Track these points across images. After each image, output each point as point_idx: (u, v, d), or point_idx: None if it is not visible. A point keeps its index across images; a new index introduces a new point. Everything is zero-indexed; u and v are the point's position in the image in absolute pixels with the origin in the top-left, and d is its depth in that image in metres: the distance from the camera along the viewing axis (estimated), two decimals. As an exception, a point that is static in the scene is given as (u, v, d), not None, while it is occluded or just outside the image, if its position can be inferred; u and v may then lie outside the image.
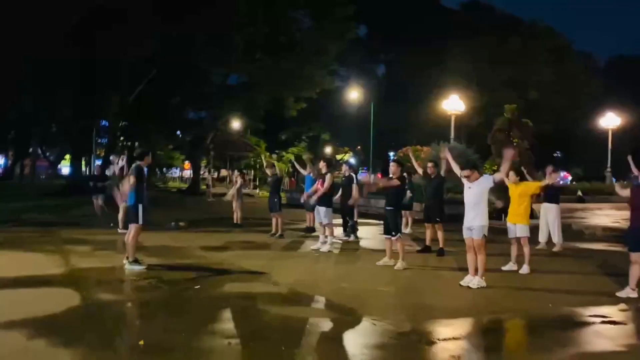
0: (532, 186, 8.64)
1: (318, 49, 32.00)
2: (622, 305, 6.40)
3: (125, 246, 8.10)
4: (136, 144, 32.14)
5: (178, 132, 40.32)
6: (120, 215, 11.54)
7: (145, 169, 8.27)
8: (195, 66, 27.90)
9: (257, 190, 31.80)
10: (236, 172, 14.19)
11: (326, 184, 10.32)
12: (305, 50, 31.63)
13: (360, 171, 53.06)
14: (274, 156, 38.07)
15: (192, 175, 36.68)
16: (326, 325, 5.42)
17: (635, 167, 7.21)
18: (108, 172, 16.42)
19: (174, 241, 11.06)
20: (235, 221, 13.89)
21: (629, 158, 7.12)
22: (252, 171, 37.64)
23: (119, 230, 11.26)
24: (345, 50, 35.18)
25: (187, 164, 44.96)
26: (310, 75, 32.42)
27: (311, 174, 12.54)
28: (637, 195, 6.65)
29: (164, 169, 47.23)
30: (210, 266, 8.38)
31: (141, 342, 4.71)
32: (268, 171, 13.16)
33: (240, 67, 32.14)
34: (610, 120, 29.15)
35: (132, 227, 7.89)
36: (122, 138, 34.66)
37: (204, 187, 30.98)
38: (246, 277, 7.67)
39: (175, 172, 55.19)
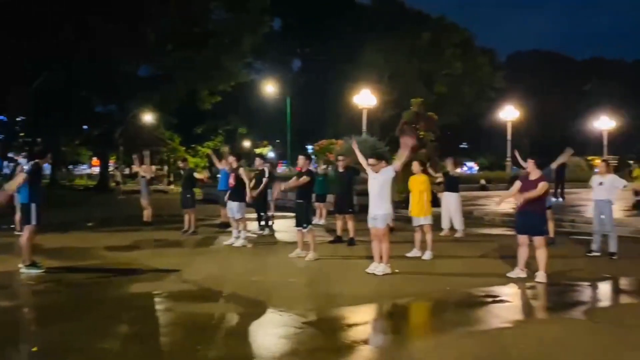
0: (431, 179, 9.11)
1: (233, 42, 31.56)
2: (512, 285, 6.93)
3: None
4: (38, 139, 30.16)
5: (85, 127, 38.28)
6: (17, 217, 10.82)
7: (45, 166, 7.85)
8: (103, 57, 26.55)
9: (172, 186, 30.93)
10: (143, 167, 13.67)
11: (245, 178, 10.20)
12: (220, 42, 31.08)
13: (278, 165, 53.26)
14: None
15: (101, 172, 34.99)
16: (233, 319, 5.44)
17: (522, 160, 7.80)
18: (7, 170, 15.31)
19: (78, 242, 10.56)
20: (145, 219, 13.46)
21: (516, 152, 7.65)
22: (166, 166, 36.52)
23: (16, 232, 10.56)
24: (261, 43, 34.96)
25: (95, 160, 42.80)
26: (225, 68, 31.94)
27: (226, 168, 12.41)
28: (523, 183, 7.21)
29: (70, 166, 44.66)
30: (116, 266, 8.11)
31: (34, 349, 4.51)
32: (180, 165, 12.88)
33: (151, 59, 31.02)
34: (509, 113, 31.14)
35: (26, 228, 7.45)
36: (22, 134, 32.38)
37: (114, 184, 29.62)
38: (154, 276, 7.48)
39: (84, 169, 52.41)
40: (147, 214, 13.53)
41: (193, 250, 9.93)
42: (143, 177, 13.68)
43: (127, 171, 38.31)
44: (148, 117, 37.19)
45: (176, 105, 35.14)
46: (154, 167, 31.92)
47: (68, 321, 5.34)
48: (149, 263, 8.31)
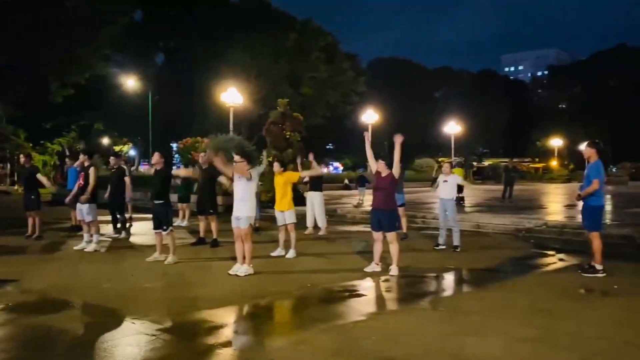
0: (294, 176, 9.26)
1: (88, 31, 29.23)
2: (368, 279, 7.29)
3: None
4: None
5: None
6: None
7: None
8: None
9: (15, 187, 27.89)
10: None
11: (91, 179, 9.48)
12: (73, 30, 28.61)
13: (141, 163, 50.66)
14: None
15: None
16: (78, 330, 5.00)
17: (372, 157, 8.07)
18: None
19: None
20: (-19, 223, 11.97)
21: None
22: (9, 164, 32.83)
23: None
24: (120, 34, 32.86)
25: None
26: (77, 58, 29.48)
27: (76, 166, 11.47)
28: (375, 179, 7.62)
29: None
30: (-60, 278, 7.07)
31: None
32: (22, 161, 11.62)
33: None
34: (370, 116, 32.80)
35: None
36: None
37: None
38: (-13, 287, 6.66)
39: None
40: (-18, 218, 12.04)
41: (37, 256, 9.03)
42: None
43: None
44: (-14, 110, 33.14)
45: (21, 97, 31.69)
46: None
47: None
48: (-18, 273, 7.38)
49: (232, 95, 23.67)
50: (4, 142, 32.19)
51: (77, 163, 11.39)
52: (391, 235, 7.44)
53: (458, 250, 9.45)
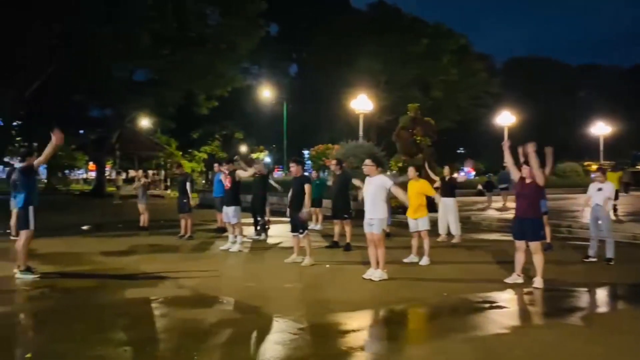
0: (429, 189, 9.10)
1: (228, 46, 31.61)
2: (509, 291, 6.91)
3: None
4: (34, 144, 30.06)
5: (81, 131, 38.29)
6: (12, 221, 10.77)
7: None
8: (98, 60, 26.53)
9: (169, 191, 30.85)
10: (140, 172, 13.69)
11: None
12: (216, 46, 31.12)
13: (275, 170, 53.27)
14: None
15: (97, 177, 34.84)
16: (228, 325, 5.39)
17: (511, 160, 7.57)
18: (2, 175, 15.19)
19: (73, 247, 10.51)
20: (141, 224, 13.42)
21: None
22: (163, 171, 36.40)
23: (12, 237, 10.52)
24: (257, 48, 35.04)
25: (91, 164, 42.70)
26: (221, 72, 31.98)
27: (221, 176, 12.38)
28: (519, 186, 7.19)
29: (66, 171, 44.52)
30: (110, 272, 8.06)
31: (28, 355, 4.46)
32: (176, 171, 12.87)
33: (147, 62, 31.05)
34: (505, 119, 31.21)
35: (23, 233, 7.40)
36: (18, 138, 32.30)
37: (113, 189, 29.51)
38: (149, 281, 7.44)
39: (80, 174, 52.19)
40: (143, 219, 13.50)
41: (189, 255, 9.90)
42: (141, 182, 13.68)
43: (124, 175, 38.25)
44: (145, 122, 37.13)
45: (173, 110, 35.14)
46: (151, 172, 31.99)
47: (63, 327, 5.29)
48: (144, 268, 8.27)
49: (362, 102, 23.95)
50: (158, 151, 35.79)
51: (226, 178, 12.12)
52: (535, 245, 6.99)
53: (612, 263, 8.59)
